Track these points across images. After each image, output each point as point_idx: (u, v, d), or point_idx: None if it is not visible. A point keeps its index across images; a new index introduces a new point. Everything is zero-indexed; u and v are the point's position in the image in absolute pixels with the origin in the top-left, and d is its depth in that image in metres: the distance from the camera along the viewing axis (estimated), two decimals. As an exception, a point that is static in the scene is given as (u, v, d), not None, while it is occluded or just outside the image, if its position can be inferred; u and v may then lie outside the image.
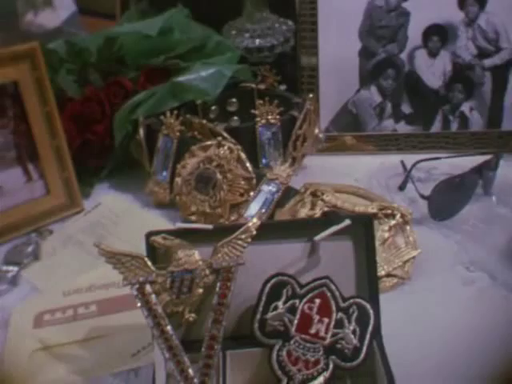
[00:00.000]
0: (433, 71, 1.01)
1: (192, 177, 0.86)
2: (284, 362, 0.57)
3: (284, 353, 0.57)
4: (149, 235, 0.59)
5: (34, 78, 0.82)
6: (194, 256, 0.57)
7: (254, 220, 0.58)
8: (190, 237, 0.58)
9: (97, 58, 1.00)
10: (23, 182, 0.85)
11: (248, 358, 0.58)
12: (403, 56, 1.00)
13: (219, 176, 0.85)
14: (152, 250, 0.58)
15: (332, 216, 0.59)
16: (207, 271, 0.57)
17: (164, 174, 0.90)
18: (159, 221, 0.88)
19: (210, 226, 0.58)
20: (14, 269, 0.78)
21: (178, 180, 0.88)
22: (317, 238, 0.58)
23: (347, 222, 0.58)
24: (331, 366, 0.57)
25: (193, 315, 0.57)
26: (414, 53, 1.00)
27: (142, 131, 0.92)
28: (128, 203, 0.92)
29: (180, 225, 0.58)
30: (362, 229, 0.60)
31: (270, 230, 0.60)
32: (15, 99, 0.82)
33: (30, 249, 0.82)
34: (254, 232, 0.57)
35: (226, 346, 0.57)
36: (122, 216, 0.89)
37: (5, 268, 0.78)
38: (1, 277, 0.77)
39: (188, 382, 0.54)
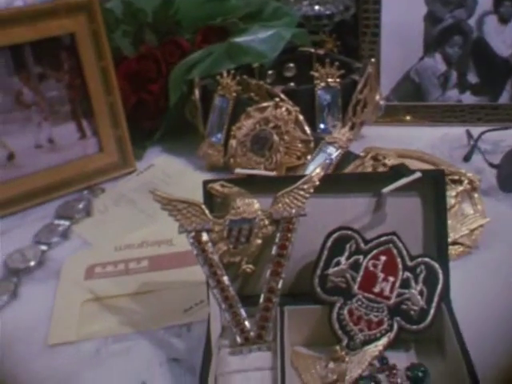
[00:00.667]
0: (503, 39, 0.95)
1: (247, 138, 0.84)
2: (345, 320, 0.53)
3: (345, 311, 0.53)
4: (206, 182, 0.56)
5: (91, 30, 0.80)
6: (252, 205, 0.54)
7: (318, 170, 0.55)
8: (249, 186, 0.55)
9: (153, 20, 0.98)
10: (77, 138, 0.84)
11: (306, 314, 0.54)
12: (471, 22, 0.95)
13: (276, 138, 0.82)
14: (209, 198, 0.56)
15: (401, 169, 0.56)
16: (266, 221, 0.54)
17: (218, 135, 0.88)
18: (212, 183, 0.85)
19: (272, 173, 0.55)
20: (65, 223, 0.77)
21: (232, 142, 0.85)
22: (385, 189, 0.54)
23: (418, 174, 0.54)
24: (395, 327, 0.53)
25: (250, 266, 0.54)
26: (483, 19, 0.95)
27: (197, 92, 0.90)
28: (181, 165, 0.90)
29: (239, 170, 0.56)
30: (432, 185, 0.56)
31: (334, 182, 0.57)
32: (71, 52, 0.81)
33: (81, 205, 0.80)
34: (317, 182, 0.54)
35: (283, 302, 0.54)
36: (174, 177, 0.87)
37: (56, 222, 0.77)
38: (52, 230, 0.76)
39: (244, 334, 0.52)
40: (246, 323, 0.52)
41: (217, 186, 0.55)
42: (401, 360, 0.53)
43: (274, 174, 0.55)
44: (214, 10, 1.01)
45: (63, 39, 0.80)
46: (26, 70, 0.78)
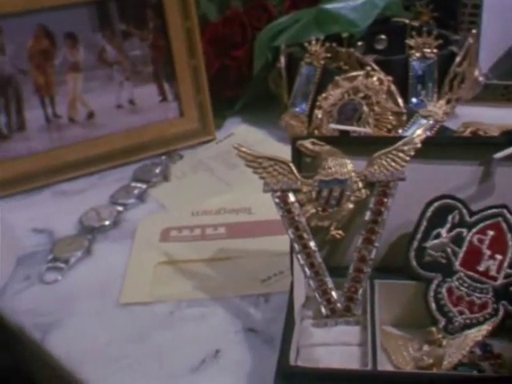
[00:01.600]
0: None
1: (334, 108, 0.78)
2: (443, 300, 0.48)
3: (444, 290, 0.48)
4: (295, 139, 0.52)
5: (178, -11, 0.77)
6: (346, 165, 0.49)
7: (419, 132, 0.49)
8: (343, 145, 0.50)
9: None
10: (158, 101, 0.82)
11: (399, 290, 0.49)
12: None
13: (365, 108, 0.76)
14: (298, 156, 0.51)
15: (516, 134, 0.49)
16: (360, 184, 0.49)
17: (303, 105, 0.83)
18: (294, 155, 0.81)
19: (368, 130, 0.50)
20: (142, 186, 0.74)
21: (318, 112, 0.80)
22: (497, 155, 0.48)
23: (536, 140, 0.48)
24: (501, 312, 0.47)
25: (340, 232, 0.49)
26: None
27: (283, 59, 0.85)
28: (261, 136, 0.86)
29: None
30: (550, 155, 0.49)
31: (437, 146, 0.51)
32: (157, 11, 0.78)
33: (158, 169, 0.78)
34: (419, 145, 0.49)
35: (374, 275, 0.49)
36: (255, 148, 0.82)
37: (133, 184, 0.75)
38: (129, 191, 0.73)
39: (330, 305, 0.47)
40: (333, 293, 0.47)
41: (307, 144, 0.51)
42: (506, 350, 0.47)
43: (370, 131, 0.50)
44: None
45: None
46: (111, 26, 0.76)
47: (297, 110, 0.83)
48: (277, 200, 0.49)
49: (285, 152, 0.82)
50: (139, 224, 0.67)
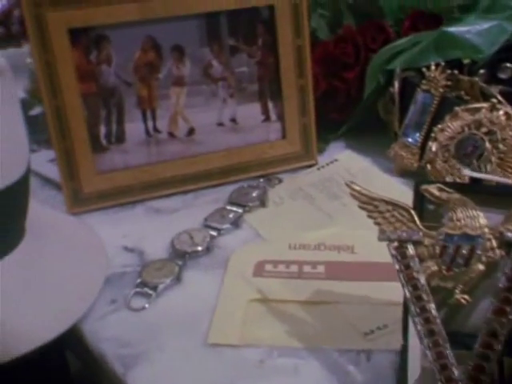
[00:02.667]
0: None
1: (452, 142, 0.71)
2: None
3: None
4: (419, 183, 0.46)
5: (292, 4, 0.73)
6: (477, 219, 0.43)
7: None
8: (476, 194, 0.44)
9: (353, 1, 0.89)
10: (260, 121, 0.77)
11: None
12: None
13: (488, 145, 0.68)
14: (421, 203, 0.45)
15: None
16: (494, 242, 0.42)
17: (416, 136, 0.76)
18: (402, 189, 0.75)
19: (508, 181, 0.43)
20: (237, 210, 0.70)
21: (432, 145, 0.73)
22: None
23: None
24: None
25: (466, 297, 0.43)
26: None
27: (396, 84, 0.79)
28: (366, 164, 0.80)
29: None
30: None
31: None
32: (268, 26, 0.74)
33: (256, 193, 0.73)
34: None
35: (503, 350, 0.42)
36: (358, 177, 0.77)
37: (229, 207, 0.71)
38: (224, 215, 0.69)
39: None
40: (455, 370, 0.40)
41: (433, 189, 0.44)
42: None
43: (510, 181, 0.43)
44: (424, -2, 0.90)
45: (261, 11, 0.73)
46: (219, 41, 0.73)
47: (408, 140, 0.77)
48: (393, 252, 0.43)
49: (391, 184, 0.77)
50: (233, 253, 0.63)
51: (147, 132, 0.73)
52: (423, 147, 0.75)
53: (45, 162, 0.83)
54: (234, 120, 0.76)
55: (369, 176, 0.78)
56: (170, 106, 0.73)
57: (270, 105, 0.77)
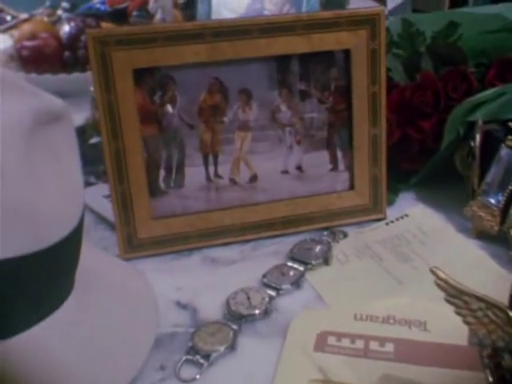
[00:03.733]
0: None
1: (540, 208, 0.65)
2: None
3: None
4: (518, 280, 0.40)
5: (370, 49, 0.68)
6: None
7: None
8: None
9: (431, 44, 0.83)
10: (327, 170, 0.72)
11: None
12: None
13: None
14: (520, 304, 0.39)
15: None
16: None
17: (498, 196, 0.70)
18: (480, 254, 0.68)
19: None
20: (299, 268, 0.65)
21: (516, 208, 0.67)
22: None
23: None
24: None
25: None
26: None
27: (478, 137, 0.73)
28: (440, 222, 0.74)
29: None
30: None
31: None
32: (342, 71, 0.69)
33: (319, 248, 0.68)
34: None
35: None
36: (430, 236, 0.71)
37: (290, 264, 0.66)
38: (284, 273, 0.64)
39: None
40: None
41: (535, 290, 0.38)
42: None
43: None
44: (509, 41, 0.83)
45: (336, 55, 0.69)
46: (289, 85, 0.69)
47: (489, 200, 0.70)
48: (486, 360, 0.37)
49: (467, 248, 0.70)
50: (292, 320, 0.58)
51: (208, 177, 0.69)
52: (506, 210, 0.69)
53: (101, 197, 0.80)
54: (299, 168, 0.71)
55: (442, 236, 0.72)
56: (233, 151, 0.69)
57: (339, 153, 0.72)
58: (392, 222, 0.74)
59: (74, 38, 1.17)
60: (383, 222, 0.74)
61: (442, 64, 0.82)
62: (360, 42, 0.68)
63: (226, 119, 0.68)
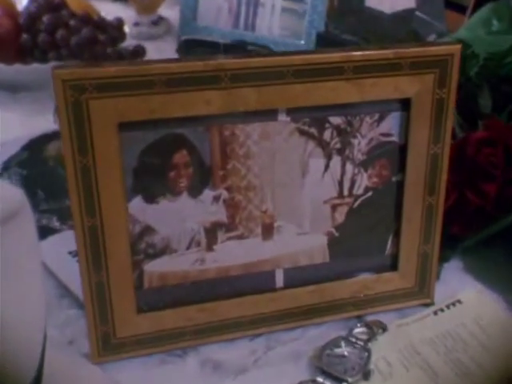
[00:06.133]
0: None
1: None
2: None
3: None
4: None
5: (436, 98, 0.51)
6: None
7: None
8: None
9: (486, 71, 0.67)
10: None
11: None
12: None
13: None
14: None
15: None
16: None
17: None
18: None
19: None
20: (331, 387, 0.50)
21: None
22: None
23: None
24: None
25: None
26: None
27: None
28: (502, 311, 0.59)
29: None
30: None
31: None
32: (397, 126, 0.52)
33: (354, 355, 0.53)
34: None
35: None
36: (492, 334, 0.56)
37: (320, 379, 0.50)
38: (313, 399, 0.49)
39: None
40: None
41: None
42: None
43: None
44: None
45: (391, 106, 0.51)
46: (326, 143, 0.51)
47: None
48: None
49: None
50: None
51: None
52: None
53: (65, 254, 0.63)
54: (331, 244, 0.55)
55: (504, 331, 0.57)
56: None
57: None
58: (442, 310, 0.59)
59: (34, 19, 0.97)
60: (430, 310, 0.59)
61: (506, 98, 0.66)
62: (424, 89, 0.50)
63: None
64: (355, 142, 0.52)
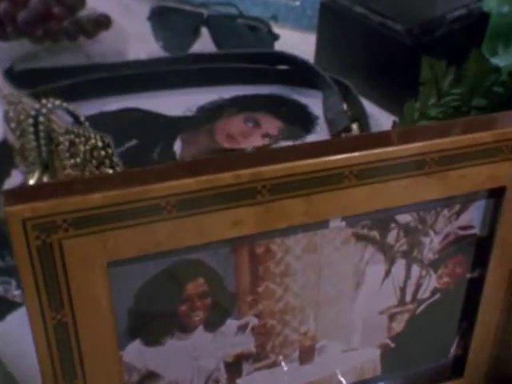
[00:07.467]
0: None
1: None
2: None
3: None
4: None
5: (536, 183, 0.38)
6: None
7: None
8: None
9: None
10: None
11: None
12: None
13: None
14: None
15: None
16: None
17: None
18: None
19: None
20: None
21: None
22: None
23: None
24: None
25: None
26: None
27: None
28: None
29: None
30: None
31: None
32: (482, 217, 0.39)
33: None
34: None
35: None
36: None
37: None
38: None
39: None
40: None
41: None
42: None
43: None
44: None
45: (477, 194, 0.38)
46: (388, 247, 0.38)
47: None
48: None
49: None
50: None
51: None
52: None
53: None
54: (386, 360, 0.43)
55: None
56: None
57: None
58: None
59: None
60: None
61: None
62: (521, 173, 0.37)
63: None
64: (426, 240, 0.39)
